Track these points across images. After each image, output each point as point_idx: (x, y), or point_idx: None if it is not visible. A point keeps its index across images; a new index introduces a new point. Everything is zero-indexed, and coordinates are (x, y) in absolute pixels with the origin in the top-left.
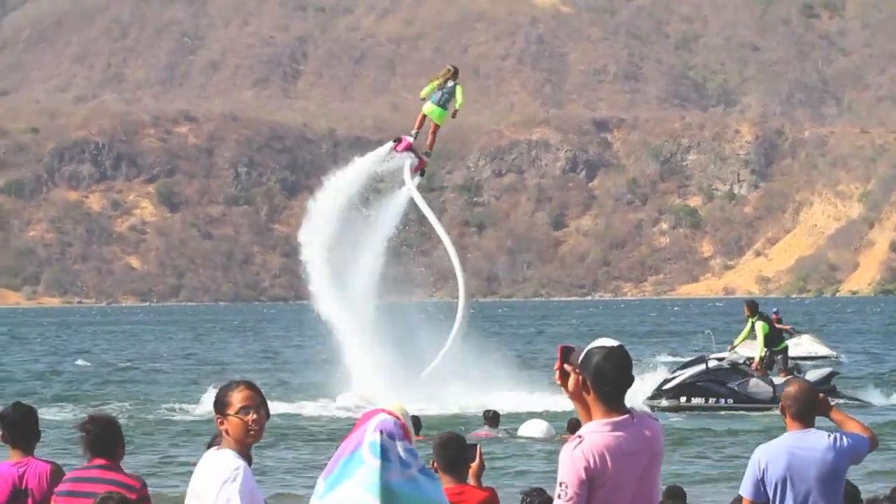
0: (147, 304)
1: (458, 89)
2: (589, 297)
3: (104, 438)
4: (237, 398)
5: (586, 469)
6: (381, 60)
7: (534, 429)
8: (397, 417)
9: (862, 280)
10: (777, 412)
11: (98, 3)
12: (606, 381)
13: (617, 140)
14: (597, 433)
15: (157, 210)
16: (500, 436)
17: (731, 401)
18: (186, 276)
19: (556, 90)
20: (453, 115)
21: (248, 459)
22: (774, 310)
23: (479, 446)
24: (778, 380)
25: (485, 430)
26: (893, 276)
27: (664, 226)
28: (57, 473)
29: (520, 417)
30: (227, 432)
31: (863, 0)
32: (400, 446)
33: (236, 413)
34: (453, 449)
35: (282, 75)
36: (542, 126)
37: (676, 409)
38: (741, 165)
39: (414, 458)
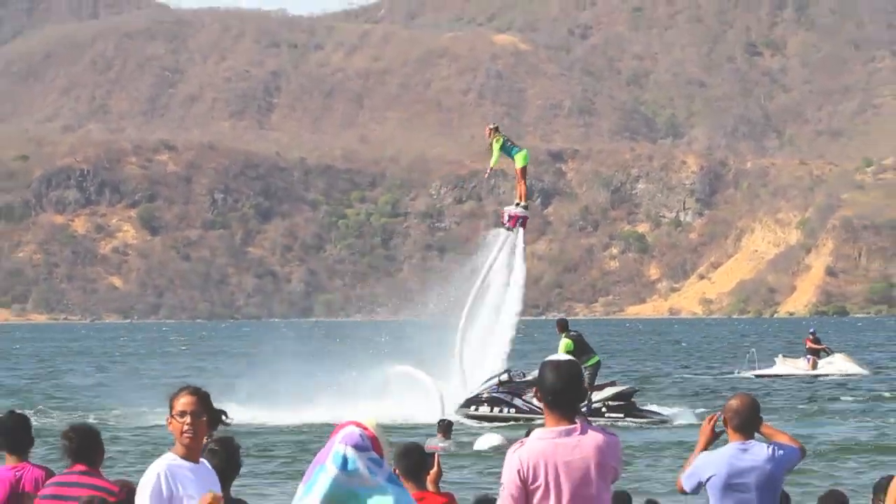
0: (129, 321)
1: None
2: (543, 317)
3: (84, 446)
4: (178, 403)
5: (520, 472)
6: (350, 94)
7: (488, 441)
8: (365, 429)
9: (799, 302)
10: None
11: (84, 38)
12: (554, 391)
13: (571, 170)
14: (539, 440)
15: (138, 233)
16: (452, 449)
17: (512, 410)
18: (166, 295)
19: (514, 123)
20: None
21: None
22: (811, 330)
23: (437, 455)
24: (599, 394)
25: (438, 441)
26: (828, 299)
27: (614, 250)
28: (50, 477)
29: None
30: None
31: (802, 40)
32: (364, 456)
33: (174, 416)
34: (413, 457)
35: (256, 108)
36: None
37: (468, 417)
38: (687, 194)
39: (379, 467)
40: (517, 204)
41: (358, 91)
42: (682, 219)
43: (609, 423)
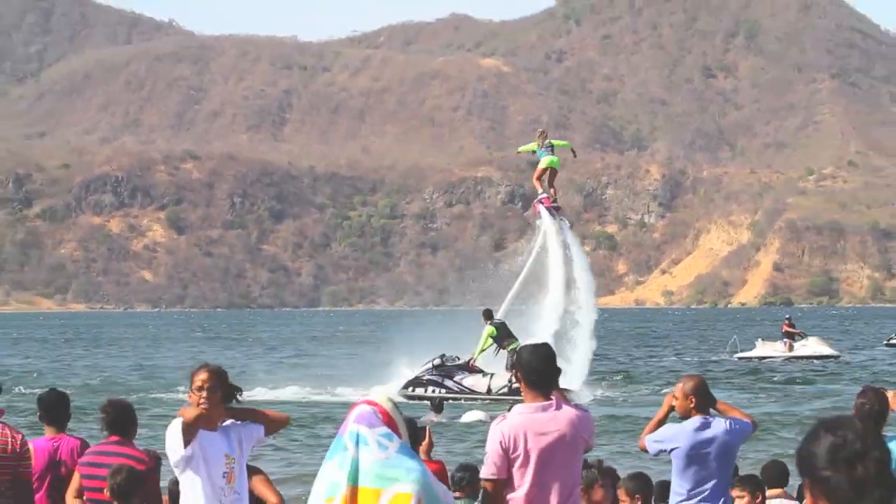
0: (157, 309)
1: (556, 143)
2: (523, 307)
3: (119, 419)
4: (197, 378)
5: (502, 443)
6: (353, 111)
7: (474, 416)
8: (377, 406)
9: (749, 294)
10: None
11: (119, 61)
12: (532, 371)
13: None
14: (519, 415)
15: (166, 232)
16: (443, 421)
17: (443, 391)
18: (190, 287)
19: (498, 136)
20: (574, 154)
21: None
22: (787, 316)
23: (428, 428)
24: (507, 377)
25: (431, 416)
26: (775, 291)
27: (586, 248)
28: (85, 447)
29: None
30: None
31: (752, 64)
32: (376, 432)
33: (193, 390)
34: (407, 430)
35: (271, 122)
36: (486, 166)
37: (408, 398)
38: (650, 199)
39: (389, 440)
40: (542, 192)
41: (360, 108)
42: (646, 220)
43: (512, 402)
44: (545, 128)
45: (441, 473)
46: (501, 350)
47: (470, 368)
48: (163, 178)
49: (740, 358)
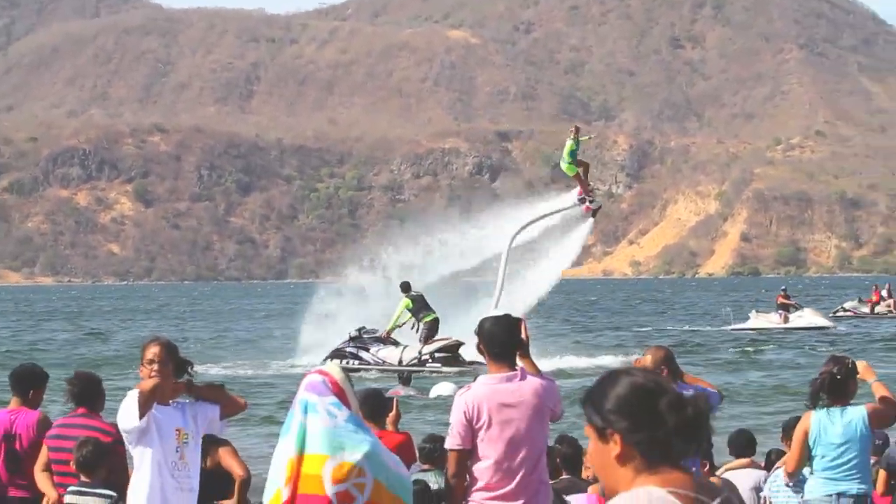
0: (125, 283)
1: (570, 143)
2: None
3: (85, 391)
4: (147, 352)
5: (465, 413)
6: (321, 82)
7: (442, 389)
8: (327, 376)
9: (717, 264)
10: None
11: (87, 35)
12: (495, 343)
13: (516, 148)
14: (483, 385)
15: (133, 205)
16: (412, 393)
17: (357, 362)
18: (158, 260)
19: (465, 107)
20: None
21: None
22: (783, 287)
23: (395, 399)
24: (427, 347)
25: (399, 389)
26: (743, 262)
27: (554, 221)
28: (44, 421)
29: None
30: None
31: (720, 34)
32: (325, 401)
33: (144, 364)
34: (373, 401)
35: (238, 95)
36: (454, 137)
37: None
38: (618, 169)
39: (339, 409)
40: (590, 200)
41: (328, 80)
42: (613, 191)
43: (430, 372)
44: (577, 126)
45: (407, 445)
46: (418, 322)
47: (385, 340)
48: (130, 150)
49: (734, 329)
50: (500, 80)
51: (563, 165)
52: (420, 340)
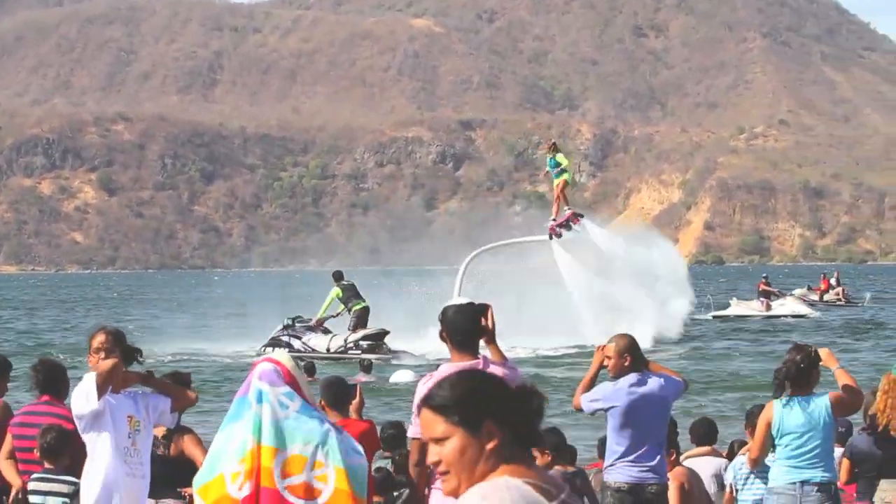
0: (88, 271)
1: (560, 157)
2: (455, 266)
3: (49, 378)
4: (94, 341)
5: None
6: (284, 71)
7: (401, 377)
8: (279, 365)
9: (681, 253)
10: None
11: (50, 23)
12: (458, 331)
13: (479, 137)
14: (445, 373)
15: (97, 194)
16: (373, 381)
17: (287, 351)
18: (121, 249)
19: (429, 96)
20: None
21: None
22: (764, 275)
23: (359, 386)
24: (352, 335)
25: (361, 376)
26: (707, 250)
27: (517, 208)
28: (5, 410)
29: None
30: None
31: (683, 23)
32: (278, 391)
33: (91, 353)
34: (335, 388)
35: (202, 83)
36: (417, 126)
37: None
38: (582, 158)
39: (290, 399)
40: (552, 219)
41: (291, 68)
42: (577, 180)
43: (352, 359)
44: (554, 140)
45: (370, 432)
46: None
47: (316, 328)
48: (94, 139)
49: (715, 317)
50: (464, 68)
51: (567, 176)
52: (349, 329)
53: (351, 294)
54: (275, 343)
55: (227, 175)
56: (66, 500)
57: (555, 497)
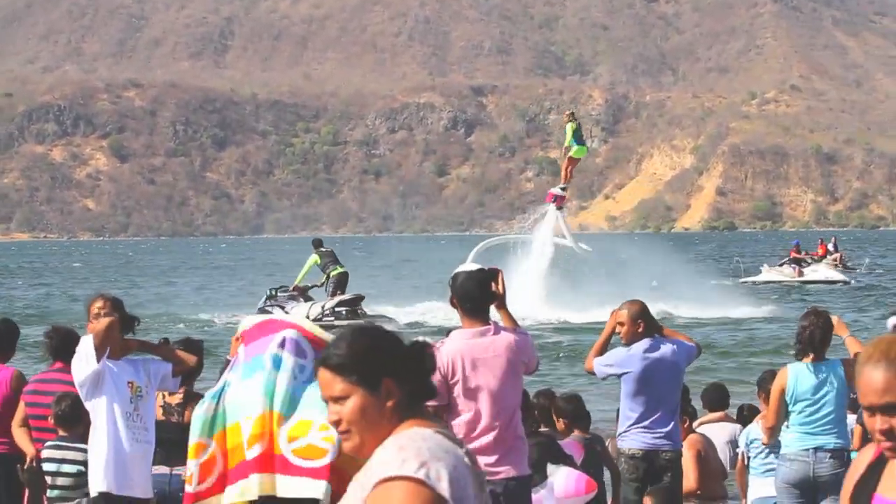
0: (101, 238)
1: (570, 126)
2: (467, 233)
3: (63, 345)
4: (94, 307)
5: (440, 368)
6: (295, 37)
7: None
8: (303, 331)
9: (693, 219)
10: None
11: None
12: (468, 298)
13: (491, 103)
14: (457, 339)
15: (109, 161)
16: None
17: None
18: (133, 216)
19: (440, 62)
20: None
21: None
22: (796, 241)
23: None
24: (329, 302)
25: None
26: (719, 216)
27: (529, 174)
28: (18, 378)
29: None
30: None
31: None
32: (296, 360)
33: (91, 319)
34: None
35: (213, 49)
36: (429, 91)
37: None
38: (593, 124)
39: (301, 372)
40: (561, 187)
41: (302, 34)
42: (589, 146)
43: (328, 323)
44: (573, 111)
45: None
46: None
47: (298, 297)
48: (105, 106)
49: (744, 283)
50: (475, 34)
51: (574, 150)
52: (328, 295)
53: (329, 261)
54: (262, 312)
55: (238, 141)
56: (81, 467)
57: (463, 445)
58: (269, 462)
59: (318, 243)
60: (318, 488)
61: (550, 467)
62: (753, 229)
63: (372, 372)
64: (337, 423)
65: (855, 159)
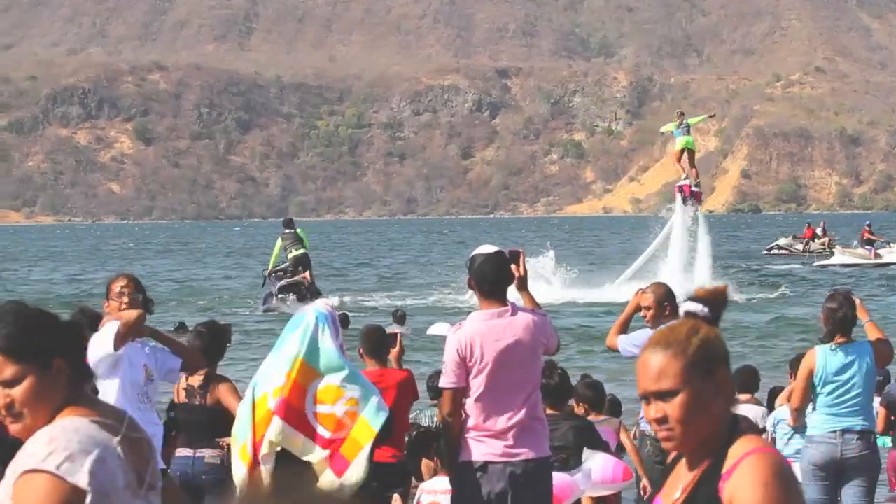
0: (125, 221)
1: (692, 120)
2: (491, 216)
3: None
4: (115, 286)
5: (458, 350)
6: (320, 20)
7: (439, 329)
8: (332, 310)
9: (717, 202)
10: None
11: None
12: (487, 280)
13: (515, 85)
14: (475, 322)
15: (133, 144)
16: (407, 332)
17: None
18: (158, 199)
19: (464, 44)
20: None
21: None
22: (867, 222)
23: (399, 335)
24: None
25: (395, 328)
26: (744, 199)
27: (554, 156)
28: None
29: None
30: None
31: None
32: (332, 327)
33: (112, 298)
34: (376, 337)
35: (237, 32)
36: (454, 74)
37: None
38: (618, 106)
39: (336, 338)
40: (684, 177)
41: (327, 16)
42: (613, 128)
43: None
44: (682, 108)
45: (409, 382)
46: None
47: (273, 278)
48: (130, 89)
49: (820, 266)
50: (499, 16)
51: (678, 141)
52: (287, 276)
53: (289, 242)
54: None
55: (263, 124)
56: None
57: (118, 431)
58: (289, 413)
59: (285, 223)
60: (318, 455)
61: (586, 452)
62: (778, 211)
63: (43, 352)
64: (9, 407)
65: (879, 141)
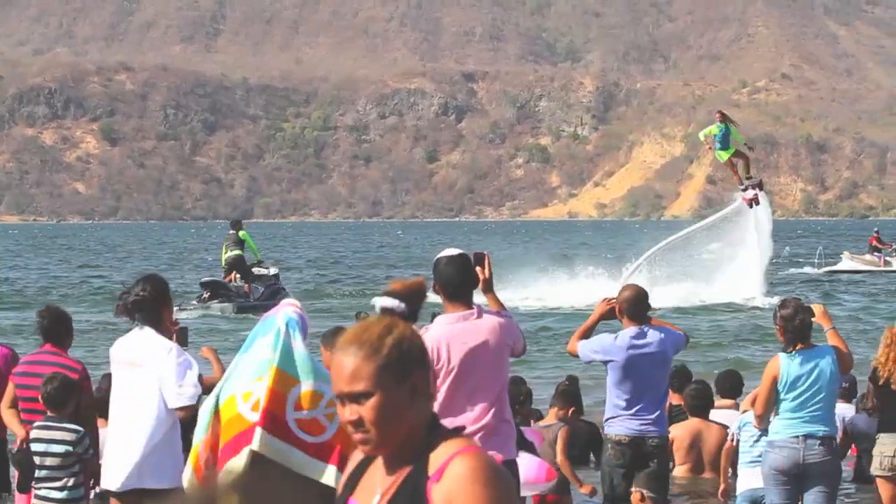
0: (90, 221)
1: (735, 132)
2: (457, 219)
3: (54, 326)
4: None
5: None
6: (287, 22)
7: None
8: (301, 314)
9: (682, 207)
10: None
11: None
12: (449, 283)
13: (481, 89)
14: (440, 325)
15: (99, 144)
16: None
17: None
18: (123, 199)
19: (431, 47)
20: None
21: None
22: (875, 229)
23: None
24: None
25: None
26: (709, 204)
27: (519, 160)
28: (13, 356)
29: None
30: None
31: None
32: (302, 331)
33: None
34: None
35: (204, 33)
36: (420, 77)
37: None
38: (584, 111)
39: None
40: (743, 189)
41: (294, 19)
42: (579, 133)
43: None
44: (722, 110)
45: None
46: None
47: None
48: (96, 89)
49: (828, 272)
50: (466, 20)
51: (716, 153)
52: (224, 275)
53: (229, 243)
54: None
55: (229, 126)
56: (69, 447)
57: None
58: (272, 423)
59: (232, 224)
60: (329, 475)
61: None
62: None
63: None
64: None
65: (845, 148)
